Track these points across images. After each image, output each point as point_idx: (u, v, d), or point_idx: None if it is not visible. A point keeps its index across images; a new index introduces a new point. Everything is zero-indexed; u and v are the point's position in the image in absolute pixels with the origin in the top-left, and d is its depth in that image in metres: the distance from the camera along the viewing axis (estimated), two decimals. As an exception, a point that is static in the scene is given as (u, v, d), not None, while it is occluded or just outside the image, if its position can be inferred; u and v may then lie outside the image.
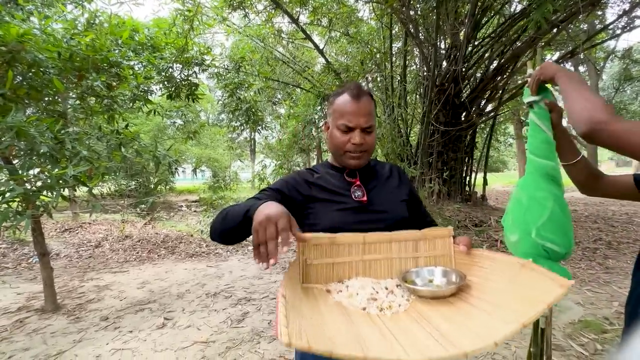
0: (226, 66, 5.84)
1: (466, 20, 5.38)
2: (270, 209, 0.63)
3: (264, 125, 6.45)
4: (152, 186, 8.42)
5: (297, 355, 0.90)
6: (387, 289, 0.75)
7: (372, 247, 0.81)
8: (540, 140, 0.89)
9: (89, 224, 6.48)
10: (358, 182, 0.91)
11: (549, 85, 0.92)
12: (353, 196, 0.88)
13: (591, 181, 0.93)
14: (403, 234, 0.83)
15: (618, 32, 6.61)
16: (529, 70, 0.96)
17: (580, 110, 0.71)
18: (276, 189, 0.88)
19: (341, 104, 0.90)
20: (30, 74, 2.44)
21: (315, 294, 0.73)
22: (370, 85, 6.80)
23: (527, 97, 0.92)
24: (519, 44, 5.52)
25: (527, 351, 1.03)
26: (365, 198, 0.88)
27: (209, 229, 0.82)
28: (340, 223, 0.85)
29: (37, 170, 2.19)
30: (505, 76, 6.09)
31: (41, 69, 2.45)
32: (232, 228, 0.74)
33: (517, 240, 0.90)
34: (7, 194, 1.83)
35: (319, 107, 6.43)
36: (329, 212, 0.87)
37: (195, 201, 10.91)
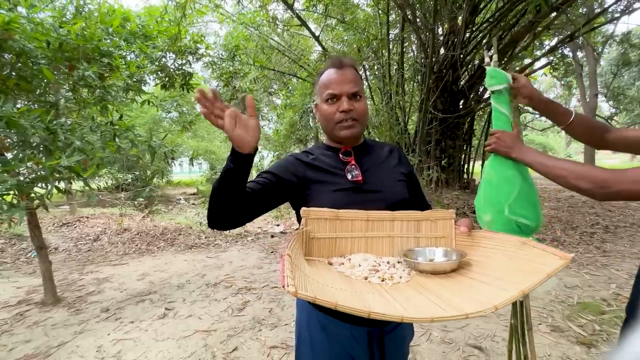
0: (221, 55, 5.74)
1: (464, 5, 5.29)
2: None
3: (260, 116, 6.38)
4: (149, 179, 8.37)
5: (297, 338, 0.90)
6: (388, 263, 0.77)
7: (375, 225, 0.82)
8: (503, 122, 0.96)
9: (87, 218, 6.45)
10: (353, 162, 0.88)
11: (505, 73, 0.96)
12: (348, 176, 0.85)
13: (596, 136, 0.94)
14: (406, 214, 0.84)
15: (617, 15, 6.54)
16: (487, 59, 1.03)
17: (577, 175, 0.76)
18: (272, 172, 0.86)
19: (325, 77, 0.88)
20: (19, 64, 2.38)
21: (317, 265, 0.75)
22: (367, 73, 6.72)
23: (490, 85, 0.98)
24: (517, 28, 5.44)
25: (510, 324, 1.07)
26: (360, 178, 0.85)
27: (207, 221, 0.77)
28: (336, 204, 0.83)
29: (30, 163, 2.15)
30: (503, 62, 6.02)
31: (30, 59, 2.39)
32: (220, 182, 0.70)
33: (491, 219, 0.95)
34: (0, 186, 1.80)
35: (312, 102, 6.36)
36: (325, 193, 0.85)
37: (193, 194, 10.88)
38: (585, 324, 2.13)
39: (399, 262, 0.77)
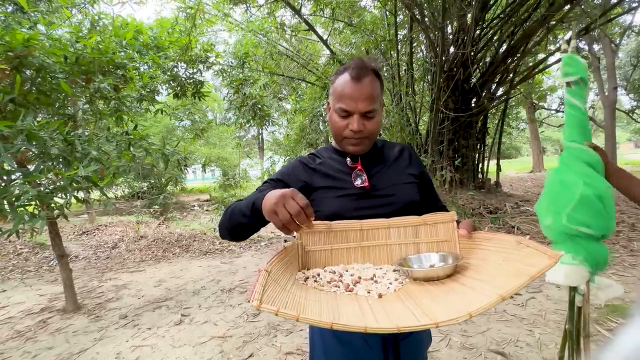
0: (230, 63, 5.83)
1: (473, 2, 5.21)
2: (279, 190, 0.63)
3: (270, 121, 6.42)
4: (163, 187, 8.55)
5: (311, 345, 0.89)
6: (379, 271, 0.76)
7: (370, 234, 0.80)
8: (577, 120, 0.85)
9: (105, 226, 6.62)
10: (359, 167, 0.86)
11: (582, 60, 0.86)
12: (356, 182, 0.84)
13: None
14: (402, 220, 0.81)
15: (635, 5, 6.30)
16: (563, 45, 0.91)
17: None
18: (278, 179, 0.87)
19: (340, 85, 0.82)
20: (39, 78, 2.47)
21: (310, 279, 0.75)
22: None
23: (566, 75, 0.86)
24: (529, 23, 5.32)
25: (563, 330, 0.99)
26: (367, 183, 0.84)
27: (218, 229, 0.83)
28: (341, 210, 0.82)
29: (50, 174, 2.22)
30: (516, 58, 5.89)
31: (49, 74, 2.48)
32: (239, 224, 0.75)
33: (551, 224, 0.88)
34: (22, 197, 1.85)
35: (325, 100, 6.37)
36: (329, 199, 0.84)
37: (207, 200, 11.04)
38: (614, 328, 2.03)
39: (395, 271, 0.75)
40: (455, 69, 5.64)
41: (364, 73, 0.80)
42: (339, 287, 0.69)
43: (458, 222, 0.82)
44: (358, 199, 0.83)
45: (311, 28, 6.09)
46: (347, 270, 0.76)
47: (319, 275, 0.73)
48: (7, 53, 2.19)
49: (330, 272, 0.75)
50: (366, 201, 0.83)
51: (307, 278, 0.72)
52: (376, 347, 0.79)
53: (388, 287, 0.69)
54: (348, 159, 0.89)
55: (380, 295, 0.66)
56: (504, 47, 5.80)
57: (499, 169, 6.97)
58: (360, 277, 0.73)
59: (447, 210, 0.90)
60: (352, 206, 0.82)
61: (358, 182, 0.84)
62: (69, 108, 2.88)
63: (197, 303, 2.97)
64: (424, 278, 0.70)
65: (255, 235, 5.55)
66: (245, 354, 2.08)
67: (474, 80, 5.98)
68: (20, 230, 1.99)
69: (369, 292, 0.67)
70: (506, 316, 2.31)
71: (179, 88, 4.33)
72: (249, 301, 0.50)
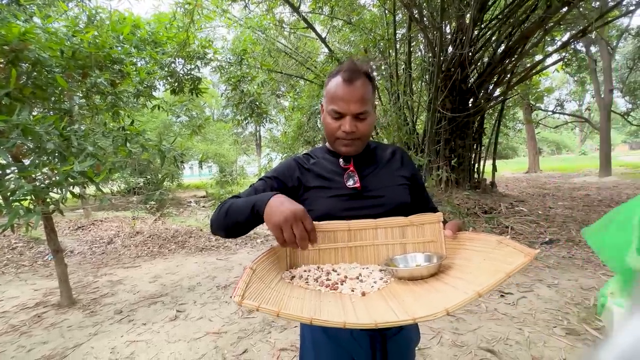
0: (228, 59, 5.81)
1: (472, 2, 5.22)
2: (288, 204, 0.66)
3: (268, 119, 6.41)
4: (159, 183, 8.52)
5: (301, 338, 0.90)
6: (365, 270, 0.77)
7: (357, 234, 0.82)
8: None
9: (101, 221, 6.61)
10: (352, 168, 0.88)
11: None
12: (348, 182, 0.86)
13: None
14: (389, 221, 0.83)
15: (632, 7, 6.35)
16: None
17: None
18: (273, 176, 0.88)
19: (333, 87, 0.84)
20: (35, 73, 2.45)
21: (297, 279, 0.76)
22: (374, 74, 6.69)
23: None
24: (527, 24, 5.35)
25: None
26: (358, 184, 0.85)
27: (210, 225, 0.83)
28: (333, 210, 0.83)
29: (45, 168, 2.22)
30: (513, 59, 5.92)
31: (45, 68, 2.46)
32: (236, 222, 0.75)
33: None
34: (17, 192, 1.85)
35: (320, 100, 6.36)
36: (322, 198, 0.85)
37: (204, 197, 11.02)
38: (602, 327, 2.07)
39: (381, 270, 0.77)
40: (453, 69, 5.65)
41: (356, 76, 0.82)
42: (323, 286, 0.70)
43: (445, 222, 0.83)
44: (349, 200, 0.85)
45: (310, 26, 6.08)
46: (334, 270, 0.77)
47: (305, 273, 0.75)
48: (3, 46, 2.18)
49: (316, 270, 0.76)
50: (357, 202, 0.85)
51: (293, 277, 0.73)
52: (364, 343, 0.80)
53: (372, 286, 0.71)
54: (341, 159, 0.90)
55: (363, 294, 0.68)
56: (502, 48, 5.83)
57: (494, 169, 7.03)
58: (346, 277, 0.74)
59: (438, 212, 0.92)
60: (344, 206, 0.84)
61: (350, 183, 0.86)
62: (65, 103, 2.86)
63: (193, 299, 2.98)
64: (409, 277, 0.71)
65: (251, 232, 5.56)
66: (239, 349, 2.10)
67: (471, 80, 6.00)
68: (15, 225, 1.99)
69: (352, 291, 0.69)
70: (497, 315, 2.34)
71: (176, 84, 4.31)
72: (231, 297, 0.52)
